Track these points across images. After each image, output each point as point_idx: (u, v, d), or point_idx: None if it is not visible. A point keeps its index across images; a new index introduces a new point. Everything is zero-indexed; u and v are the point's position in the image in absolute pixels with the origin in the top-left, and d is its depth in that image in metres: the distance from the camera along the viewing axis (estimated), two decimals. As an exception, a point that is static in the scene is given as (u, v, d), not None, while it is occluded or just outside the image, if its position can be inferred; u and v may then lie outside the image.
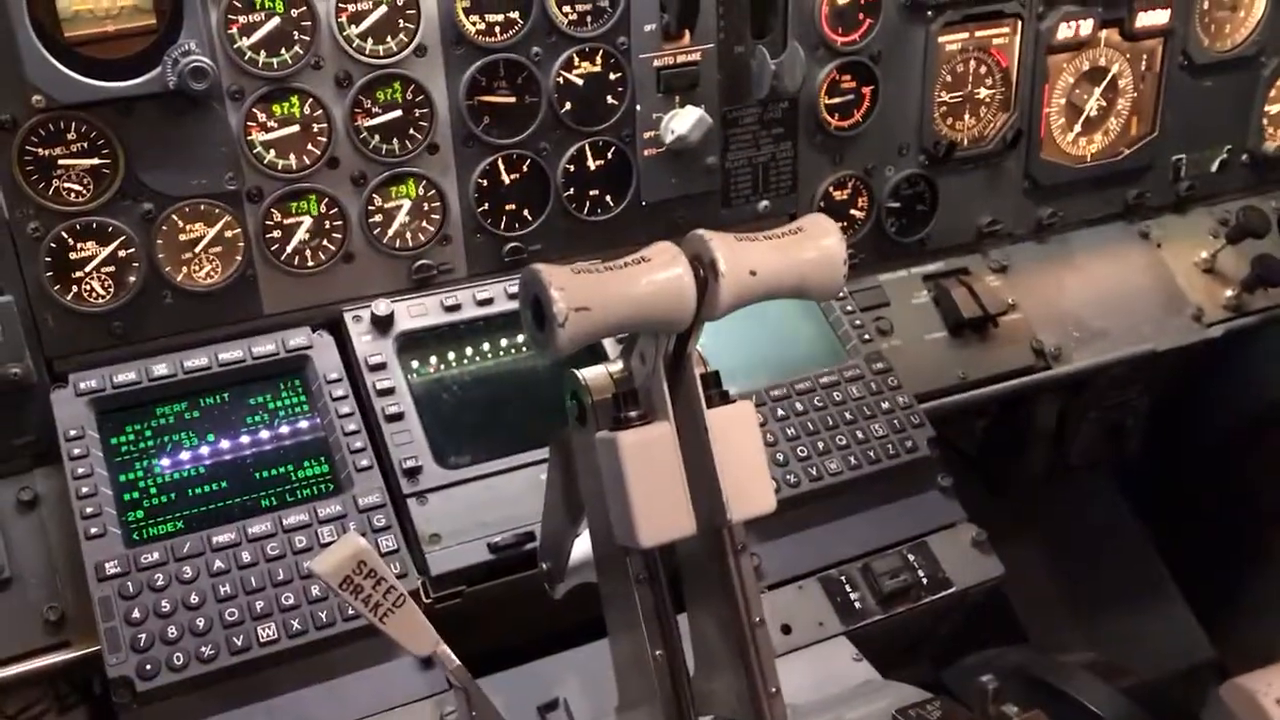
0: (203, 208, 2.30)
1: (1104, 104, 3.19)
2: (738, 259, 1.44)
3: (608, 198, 2.64)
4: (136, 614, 2.01)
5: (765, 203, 2.84)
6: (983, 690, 1.55)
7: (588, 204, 2.62)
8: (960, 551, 2.46)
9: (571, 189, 2.59)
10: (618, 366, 1.57)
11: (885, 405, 2.58)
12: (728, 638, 1.64)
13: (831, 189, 2.92)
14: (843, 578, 2.38)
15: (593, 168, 2.60)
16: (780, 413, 2.52)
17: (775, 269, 1.47)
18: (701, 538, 1.63)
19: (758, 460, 1.56)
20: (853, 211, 2.96)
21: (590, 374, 1.55)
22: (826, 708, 1.72)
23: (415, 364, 2.41)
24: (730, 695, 1.66)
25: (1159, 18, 3.13)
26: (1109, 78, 3.17)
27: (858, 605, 2.35)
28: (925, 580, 2.40)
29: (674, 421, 1.50)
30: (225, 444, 2.28)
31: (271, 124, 2.31)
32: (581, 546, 1.82)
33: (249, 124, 2.30)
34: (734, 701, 1.66)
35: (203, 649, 2.00)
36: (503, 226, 2.55)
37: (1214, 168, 3.40)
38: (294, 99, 2.31)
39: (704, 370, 1.56)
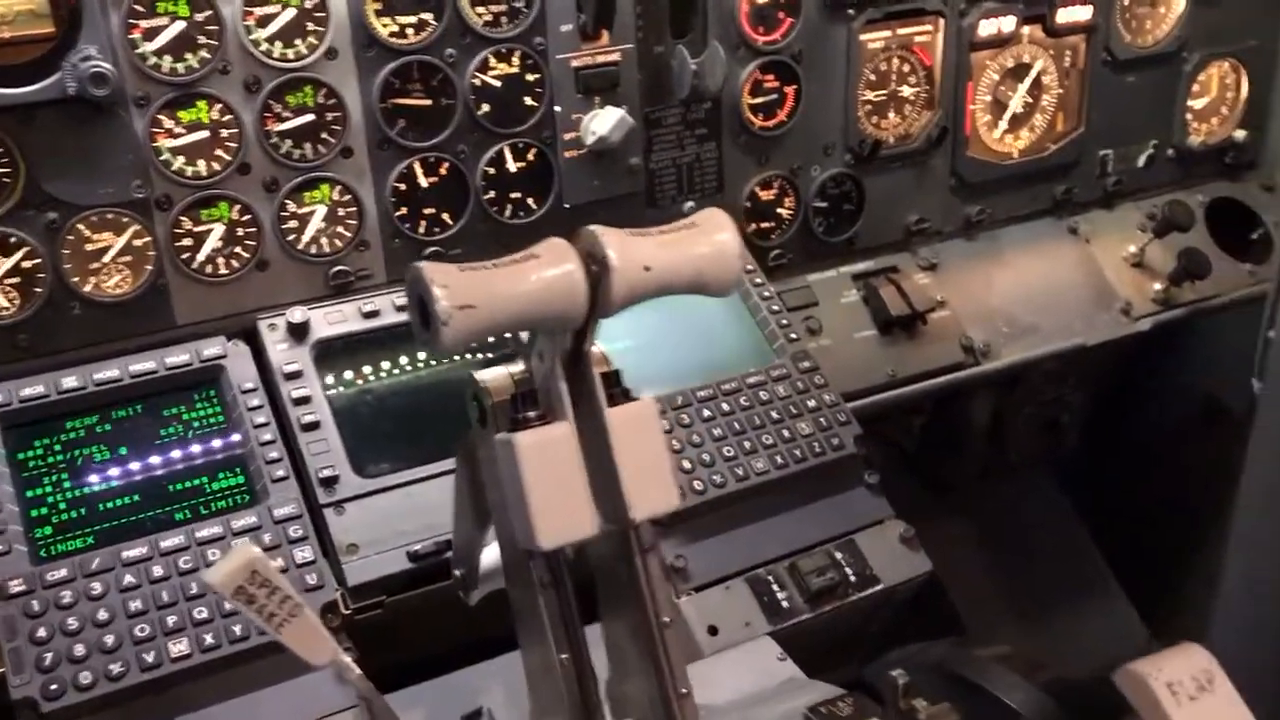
0: (110, 216, 2.26)
1: (1029, 101, 3.21)
2: (630, 254, 1.42)
3: (529, 200, 2.62)
4: (42, 632, 1.96)
5: (691, 203, 2.82)
6: (893, 684, 1.53)
7: (509, 207, 2.60)
8: (888, 548, 2.45)
9: (492, 192, 2.57)
10: (519, 367, 1.55)
11: (811, 404, 2.57)
12: (638, 640, 1.62)
13: (758, 189, 2.91)
14: (770, 577, 2.36)
15: (513, 170, 2.58)
16: (706, 413, 2.50)
17: (669, 264, 1.45)
18: (608, 539, 1.61)
19: (660, 458, 1.54)
20: (780, 211, 2.96)
21: (490, 375, 1.53)
22: (740, 708, 1.70)
23: (333, 372, 2.37)
24: (642, 699, 1.64)
25: (1081, 14, 3.16)
26: (1033, 74, 3.19)
27: (785, 604, 2.33)
28: (853, 578, 2.38)
29: (574, 421, 1.48)
30: (138, 457, 2.23)
31: (179, 130, 2.27)
32: (493, 553, 1.79)
33: (155, 131, 2.25)
34: (645, 705, 1.64)
35: (111, 666, 1.95)
36: (422, 231, 2.52)
37: (1140, 163, 3.42)
38: (201, 105, 2.28)
39: (606, 369, 1.55)
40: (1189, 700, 1.22)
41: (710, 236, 1.49)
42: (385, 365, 2.42)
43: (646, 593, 1.59)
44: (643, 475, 1.52)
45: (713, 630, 2.27)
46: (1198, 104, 3.46)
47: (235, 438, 2.27)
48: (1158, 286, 3.27)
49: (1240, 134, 3.50)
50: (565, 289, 1.38)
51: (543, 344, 1.50)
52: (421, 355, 2.45)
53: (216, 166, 2.32)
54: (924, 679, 1.83)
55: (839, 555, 2.41)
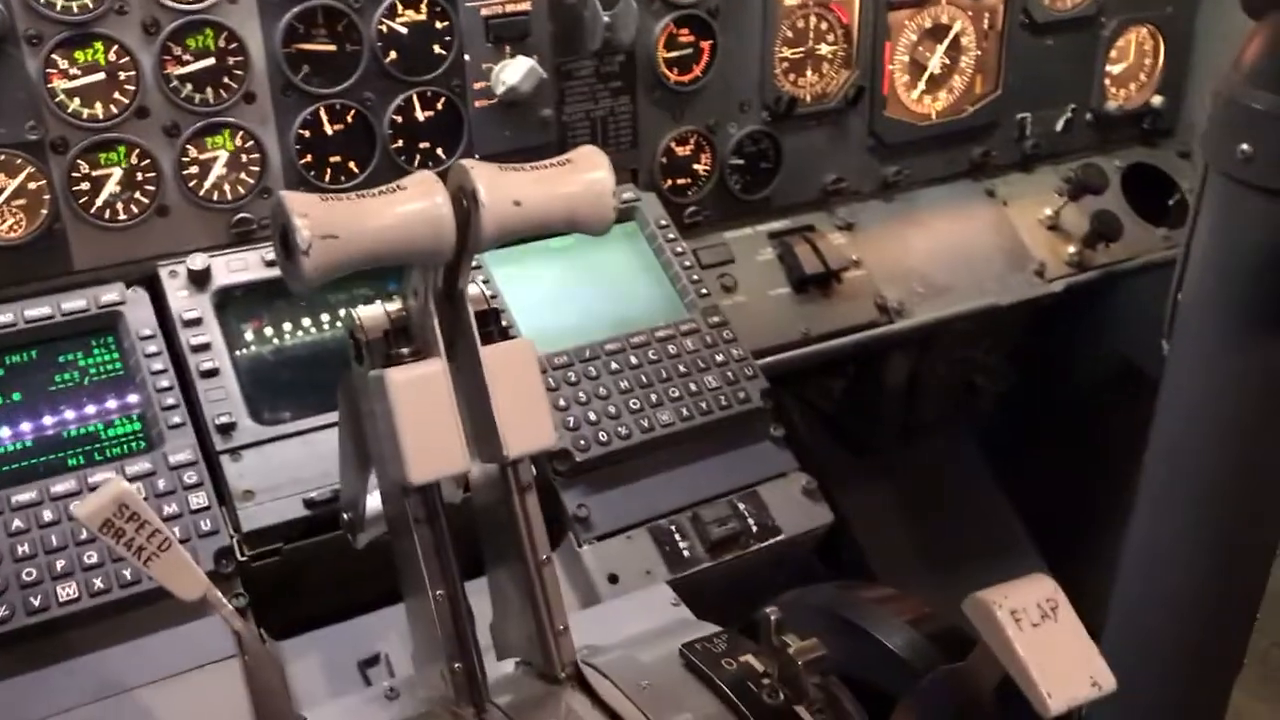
0: (3, 158, 2.22)
1: (947, 62, 3.23)
2: (500, 189, 1.42)
3: (439, 150, 2.60)
4: (-75, 576, 1.94)
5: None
6: (766, 620, 1.55)
7: (418, 156, 2.58)
8: (790, 500, 2.48)
9: (400, 141, 2.55)
10: (395, 305, 1.54)
11: (720, 358, 2.59)
12: (518, 579, 1.63)
13: (673, 145, 2.91)
14: (672, 527, 2.38)
15: (422, 119, 2.56)
16: (614, 366, 2.51)
17: (541, 201, 1.45)
18: (488, 481, 1.62)
19: (536, 396, 1.55)
20: (696, 167, 2.96)
21: (366, 312, 1.52)
22: (622, 646, 1.71)
23: (233, 320, 2.35)
24: (522, 637, 1.66)
25: (998, -25, 3.18)
26: (951, 35, 3.21)
27: (686, 554, 2.35)
28: (754, 528, 2.41)
29: (446, 358, 1.48)
30: (31, 403, 2.19)
31: (75, 71, 2.24)
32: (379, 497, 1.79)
33: (50, 71, 2.21)
34: (525, 643, 1.65)
35: (-4, 609, 1.94)
36: (327, 179, 2.50)
37: (1059, 126, 3.46)
38: (98, 45, 2.24)
39: (483, 308, 1.55)
40: (1031, 627, 1.25)
41: (584, 174, 1.50)
42: (286, 314, 2.40)
43: (524, 530, 1.60)
44: (518, 413, 1.53)
45: (613, 578, 2.29)
46: (1116, 69, 3.50)
47: (132, 385, 2.25)
48: (1072, 249, 3.31)
49: (1158, 100, 3.54)
50: (429, 222, 1.38)
51: (416, 280, 1.50)
52: (323, 307, 2.43)
53: (114, 109, 2.29)
54: (808, 618, 1.86)
55: (741, 506, 2.43)
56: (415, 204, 1.38)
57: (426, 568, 1.54)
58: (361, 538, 1.86)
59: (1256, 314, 1.88)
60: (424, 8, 2.48)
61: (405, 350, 1.50)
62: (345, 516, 1.86)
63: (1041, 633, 1.24)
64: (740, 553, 2.39)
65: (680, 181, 2.95)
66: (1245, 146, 1.78)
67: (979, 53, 3.26)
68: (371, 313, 1.52)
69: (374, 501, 1.81)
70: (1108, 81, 3.49)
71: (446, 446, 1.47)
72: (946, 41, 3.20)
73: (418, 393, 1.45)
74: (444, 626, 1.55)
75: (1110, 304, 3.53)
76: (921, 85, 3.22)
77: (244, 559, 2.14)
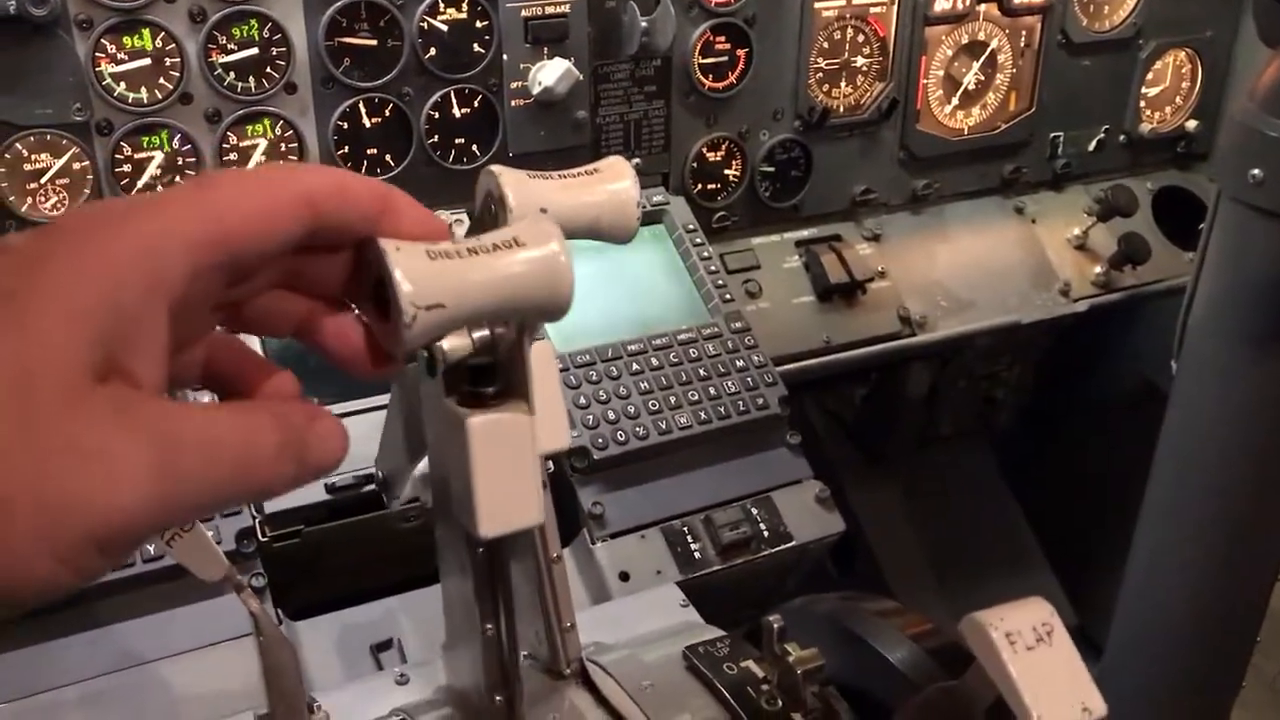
0: (49, 138, 2.27)
1: (982, 78, 3.24)
2: (527, 195, 1.45)
3: (474, 147, 2.64)
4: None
5: (637, 160, 2.85)
6: (769, 628, 1.58)
7: (453, 152, 2.63)
8: (803, 507, 2.50)
9: (436, 136, 2.59)
10: (481, 333, 1.40)
11: (740, 364, 2.62)
12: (528, 574, 1.66)
13: (705, 150, 2.94)
14: (685, 529, 2.41)
15: (458, 116, 2.60)
16: (635, 367, 2.54)
17: (566, 208, 1.47)
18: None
19: (555, 398, 1.57)
20: (726, 173, 2.99)
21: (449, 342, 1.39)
22: (629, 645, 1.75)
23: (265, 305, 2.40)
24: (530, 633, 1.69)
25: (1037, -5, 3.19)
26: (988, 52, 3.22)
27: (697, 555, 2.39)
28: (766, 533, 2.44)
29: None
30: (66, 377, 2.25)
31: (122, 56, 2.29)
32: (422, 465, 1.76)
33: (98, 55, 2.27)
34: (533, 639, 1.69)
35: (23, 578, 1.99)
36: (363, 171, 2.54)
37: (1091, 147, 3.46)
38: (145, 32, 2.29)
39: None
40: (1026, 650, 1.27)
41: (609, 184, 1.51)
42: (318, 301, 2.44)
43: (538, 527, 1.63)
44: (541, 414, 1.55)
45: (624, 576, 2.33)
46: (1151, 92, 3.49)
47: (164, 364, 2.30)
48: (1098, 270, 3.32)
49: (1192, 124, 3.54)
50: (550, 286, 1.25)
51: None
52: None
53: (159, 94, 2.34)
54: (811, 626, 1.89)
55: (754, 511, 2.46)
56: (533, 262, 1.25)
57: (478, 602, 1.49)
58: (395, 503, 1.83)
59: (1264, 336, 1.91)
60: (465, 6, 2.52)
61: (489, 390, 1.40)
62: (380, 475, 1.68)
63: (1035, 656, 1.26)
64: (751, 557, 2.42)
65: (710, 186, 2.98)
66: (1257, 171, 1.80)
67: (1014, 70, 3.27)
68: (455, 342, 1.39)
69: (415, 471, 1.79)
70: (1143, 104, 3.49)
71: (523, 500, 1.37)
72: (983, 58, 3.21)
73: (501, 444, 1.36)
74: (489, 661, 1.53)
75: (1134, 325, 3.54)
76: (955, 100, 3.23)
77: (264, 540, 2.19)
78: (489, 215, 1.47)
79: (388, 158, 2.57)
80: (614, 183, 1.54)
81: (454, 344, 1.41)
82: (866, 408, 3.67)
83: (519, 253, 1.27)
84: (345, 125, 2.50)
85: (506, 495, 1.39)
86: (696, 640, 1.69)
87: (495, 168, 1.48)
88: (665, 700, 1.57)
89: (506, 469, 1.38)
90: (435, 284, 1.20)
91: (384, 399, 2.24)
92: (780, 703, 1.53)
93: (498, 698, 1.52)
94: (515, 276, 1.26)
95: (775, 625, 1.59)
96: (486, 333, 1.42)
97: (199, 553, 1.55)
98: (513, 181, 1.47)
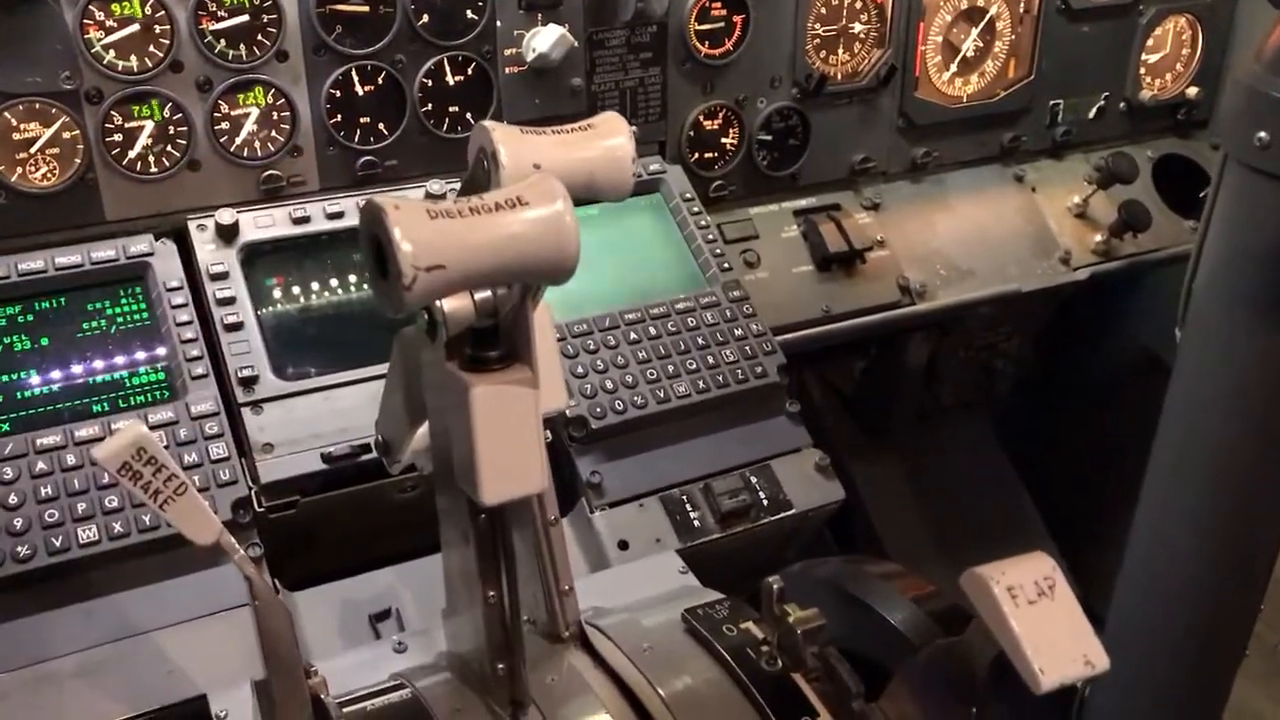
0: (38, 106, 2.25)
1: (981, 45, 3.22)
2: (520, 151, 1.43)
3: (468, 114, 2.62)
4: (-50, 514, 1.99)
5: (634, 128, 2.81)
6: (768, 589, 1.57)
7: (446, 120, 2.60)
8: (803, 475, 2.49)
9: (429, 104, 2.57)
10: (483, 295, 1.33)
11: (738, 332, 2.60)
12: (526, 539, 1.65)
13: (702, 118, 2.92)
14: (684, 497, 2.40)
15: (451, 83, 2.58)
16: (633, 336, 2.53)
17: (560, 165, 1.46)
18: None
19: (551, 359, 1.56)
20: (724, 141, 2.97)
21: (451, 304, 1.32)
22: (628, 610, 1.74)
23: (259, 275, 2.38)
24: (529, 596, 1.68)
25: (1036, -40, 3.16)
26: (987, 18, 3.19)
27: (696, 524, 2.37)
28: (765, 501, 2.43)
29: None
30: (59, 349, 2.23)
31: (111, 23, 2.26)
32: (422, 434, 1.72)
33: (86, 22, 2.24)
34: (531, 602, 1.68)
35: (19, 549, 1.97)
36: (356, 140, 2.52)
37: (1091, 114, 3.44)
38: (134, -2, 2.27)
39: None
40: (1027, 604, 1.26)
41: (604, 140, 1.50)
42: (312, 271, 2.43)
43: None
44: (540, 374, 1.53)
45: (623, 545, 2.32)
46: (1152, 59, 3.46)
47: (157, 335, 2.29)
48: (1098, 238, 3.30)
49: (1193, 91, 3.51)
50: (556, 247, 1.21)
51: None
52: (348, 263, 2.46)
53: (149, 62, 2.31)
54: (812, 589, 1.88)
55: (753, 479, 2.45)
56: (537, 223, 1.21)
57: (480, 568, 1.49)
58: (395, 466, 1.81)
59: (1269, 302, 1.89)
60: (458, -28, 2.50)
61: (492, 354, 1.32)
62: (380, 439, 1.73)
63: (1037, 610, 1.25)
64: (750, 525, 2.40)
65: (707, 155, 2.95)
66: (1263, 134, 1.78)
67: (1013, 37, 3.24)
68: (457, 305, 1.31)
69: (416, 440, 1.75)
70: (1143, 71, 3.46)
71: (526, 466, 1.33)
72: (982, 24, 3.18)
73: (504, 409, 1.31)
74: (491, 628, 1.51)
75: (1134, 294, 3.52)
76: (953, 67, 3.20)
77: (261, 510, 2.17)
78: (481, 172, 1.46)
79: (381, 126, 2.54)
80: (609, 139, 1.53)
81: (455, 306, 1.38)
82: (866, 380, 3.65)
83: (523, 212, 1.26)
84: (338, 93, 2.48)
85: (510, 463, 1.36)
86: (695, 603, 1.68)
87: (488, 123, 1.46)
88: (664, 662, 1.56)
89: (510, 437, 1.32)
90: (436, 244, 1.19)
91: (380, 369, 2.24)
92: (780, 663, 1.52)
93: (500, 665, 1.52)
94: (519, 237, 1.24)
95: (775, 586, 1.58)
96: (489, 295, 1.42)
97: (191, 516, 1.54)
98: (506, 137, 1.46)
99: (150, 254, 2.34)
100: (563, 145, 1.47)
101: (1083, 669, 1.25)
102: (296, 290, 2.40)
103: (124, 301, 2.32)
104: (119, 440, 1.48)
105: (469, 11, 2.54)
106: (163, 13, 2.29)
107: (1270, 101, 1.79)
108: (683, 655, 1.58)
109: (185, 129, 2.37)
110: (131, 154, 2.35)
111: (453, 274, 1.17)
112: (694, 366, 2.52)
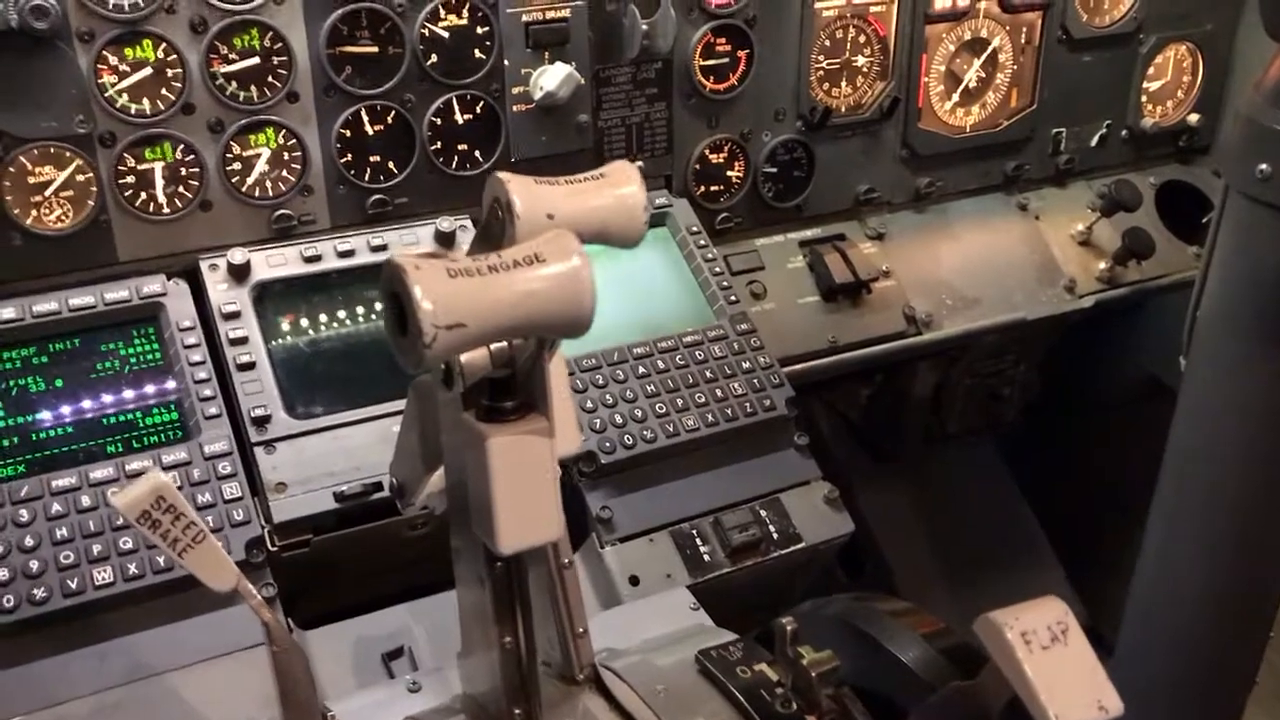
0: (52, 150, 2.28)
1: (983, 75, 3.24)
2: (534, 201, 1.45)
3: (477, 153, 2.64)
4: (-33, 557, 2.00)
5: (640, 164, 2.84)
6: (782, 631, 1.58)
7: (455, 158, 2.62)
8: (812, 508, 2.50)
9: (438, 143, 2.59)
10: (499, 345, 1.34)
11: (746, 365, 2.61)
12: (540, 582, 1.66)
13: (707, 151, 2.94)
14: (694, 531, 2.41)
15: (461, 122, 2.60)
16: (641, 370, 2.54)
17: (573, 214, 1.47)
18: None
19: (566, 403, 1.57)
20: (729, 174, 2.99)
21: (467, 356, 1.33)
22: (641, 650, 1.75)
23: (271, 314, 2.40)
24: (543, 639, 1.69)
25: (1037, -9, 3.19)
26: (989, 50, 3.22)
27: (707, 558, 2.38)
28: (775, 535, 2.44)
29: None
30: (73, 390, 2.25)
31: (124, 68, 2.29)
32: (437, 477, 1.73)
33: (100, 67, 2.27)
34: (546, 644, 1.68)
35: (35, 591, 1.99)
36: (367, 178, 2.55)
37: (1094, 142, 3.46)
38: (146, 43, 2.29)
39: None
40: (1041, 650, 1.27)
41: (617, 189, 1.52)
42: (323, 310, 2.45)
43: (549, 535, 1.62)
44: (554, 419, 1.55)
45: (634, 580, 2.33)
46: (1153, 86, 3.49)
47: (171, 375, 2.30)
48: (1103, 265, 3.31)
49: (1194, 118, 3.53)
50: (573, 304, 1.23)
51: None
52: (360, 301, 2.47)
53: (161, 105, 2.34)
54: (823, 628, 1.89)
55: (763, 513, 2.46)
56: (554, 279, 1.23)
57: (496, 614, 1.50)
58: (410, 510, 1.81)
59: (1273, 331, 1.90)
60: (466, 12, 2.52)
61: (508, 404, 1.33)
62: (394, 482, 1.72)
63: (1051, 655, 1.26)
64: (761, 559, 2.41)
65: (713, 188, 2.98)
66: (1264, 166, 1.79)
67: (1015, 67, 3.27)
68: (473, 356, 1.32)
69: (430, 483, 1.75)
70: (1144, 98, 3.48)
71: (542, 515, 1.35)
72: (984, 55, 3.21)
73: (520, 459, 1.31)
74: (507, 673, 1.52)
75: (1139, 320, 3.53)
76: (956, 98, 3.23)
77: (274, 549, 2.18)
78: (496, 222, 1.48)
79: (390, 165, 2.57)
80: (621, 187, 1.55)
81: (472, 357, 1.38)
82: (873, 407, 3.66)
83: (540, 269, 1.27)
84: (348, 133, 2.50)
85: (526, 512, 1.36)
86: (709, 644, 1.69)
87: (502, 174, 1.48)
88: (679, 704, 1.57)
89: (527, 487, 1.33)
90: (456, 303, 1.20)
91: (392, 406, 2.26)
92: (795, 706, 1.53)
93: (516, 710, 1.53)
94: (537, 294, 1.26)
95: (789, 628, 1.58)
96: (504, 346, 1.43)
97: (210, 563, 1.56)
98: (519, 188, 1.47)
99: (163, 294, 2.36)
100: (575, 195, 1.49)
101: (1096, 714, 1.25)
102: (308, 329, 2.42)
103: (137, 342, 2.34)
104: (138, 489, 1.50)
105: (477, 51, 2.56)
106: (175, 56, 2.32)
107: (1271, 134, 1.81)
108: (697, 697, 1.58)
109: (197, 170, 2.40)
110: (144, 195, 2.37)
111: (472, 331, 1.18)
112: (702, 400, 2.54)
